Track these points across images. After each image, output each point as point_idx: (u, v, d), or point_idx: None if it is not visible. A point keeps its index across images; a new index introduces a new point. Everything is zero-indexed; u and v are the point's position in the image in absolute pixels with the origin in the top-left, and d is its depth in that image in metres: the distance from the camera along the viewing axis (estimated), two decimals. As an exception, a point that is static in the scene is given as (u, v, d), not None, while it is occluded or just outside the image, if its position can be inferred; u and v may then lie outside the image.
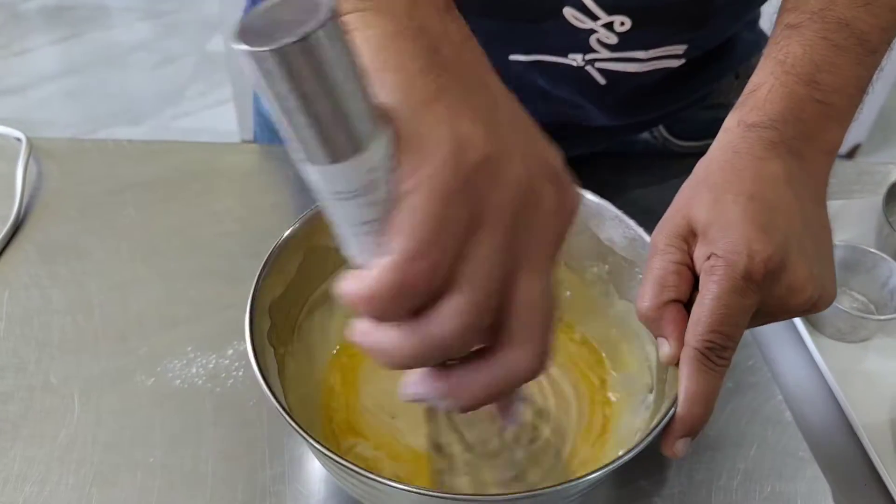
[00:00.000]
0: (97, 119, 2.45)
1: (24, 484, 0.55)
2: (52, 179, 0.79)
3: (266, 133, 0.92)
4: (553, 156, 0.36)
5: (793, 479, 0.58)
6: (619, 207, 0.58)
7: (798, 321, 0.68)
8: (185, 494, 0.55)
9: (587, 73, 0.68)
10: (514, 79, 0.69)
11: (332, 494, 0.55)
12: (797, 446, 0.60)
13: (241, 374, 0.62)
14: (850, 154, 2.28)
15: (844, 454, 0.61)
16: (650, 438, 0.45)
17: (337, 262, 0.59)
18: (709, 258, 0.45)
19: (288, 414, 0.44)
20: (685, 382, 0.45)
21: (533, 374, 0.34)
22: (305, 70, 0.25)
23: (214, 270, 0.70)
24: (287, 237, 0.54)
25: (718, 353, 0.45)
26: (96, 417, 0.59)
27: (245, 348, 0.47)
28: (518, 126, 0.35)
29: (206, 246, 0.73)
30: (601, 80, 0.68)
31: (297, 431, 0.44)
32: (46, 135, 0.83)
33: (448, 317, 0.31)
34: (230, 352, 0.64)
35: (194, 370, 0.62)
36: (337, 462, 0.42)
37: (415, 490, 0.43)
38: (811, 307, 0.47)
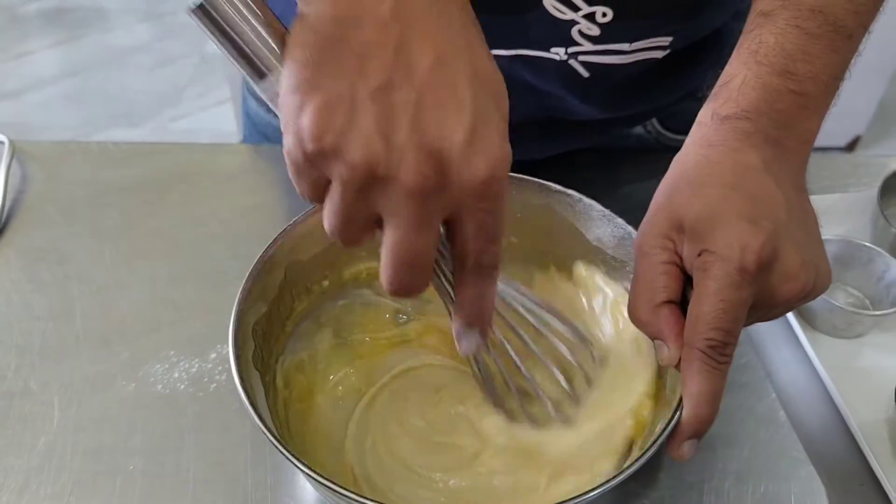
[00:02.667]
0: (96, 121, 2.45)
1: (1, 494, 0.54)
2: (35, 183, 0.78)
3: (254, 135, 0.90)
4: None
5: (786, 480, 0.57)
6: (612, 204, 0.56)
7: (792, 318, 0.67)
8: (165, 502, 0.54)
9: (570, 66, 0.66)
10: None
11: (316, 502, 0.55)
12: (791, 446, 0.59)
13: (224, 378, 0.61)
14: (851, 146, 2.25)
15: (839, 453, 0.60)
16: (657, 445, 0.43)
17: (318, 277, 0.57)
18: (700, 255, 0.44)
19: (278, 440, 0.43)
20: (689, 384, 0.44)
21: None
22: (207, 21, 0.36)
23: (198, 274, 0.69)
24: (267, 255, 0.52)
25: (720, 350, 0.44)
26: (76, 424, 0.58)
27: (227, 352, 0.47)
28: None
29: (190, 249, 0.72)
30: (584, 73, 0.67)
31: (287, 456, 0.43)
32: (46, 138, 0.82)
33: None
34: (213, 356, 0.63)
35: (176, 375, 0.61)
36: (328, 487, 0.41)
37: None
38: (806, 295, 0.46)
